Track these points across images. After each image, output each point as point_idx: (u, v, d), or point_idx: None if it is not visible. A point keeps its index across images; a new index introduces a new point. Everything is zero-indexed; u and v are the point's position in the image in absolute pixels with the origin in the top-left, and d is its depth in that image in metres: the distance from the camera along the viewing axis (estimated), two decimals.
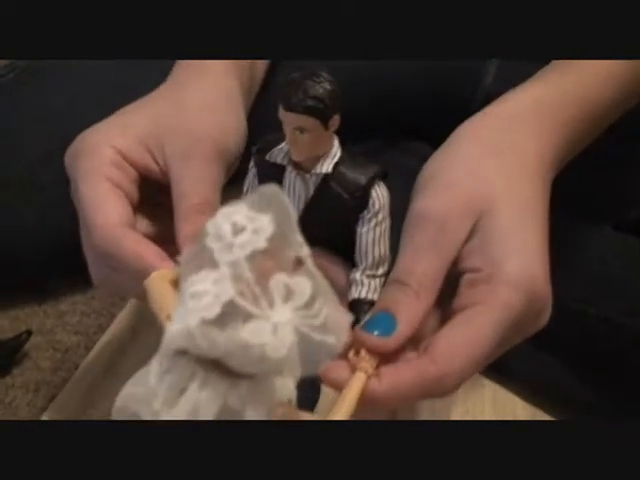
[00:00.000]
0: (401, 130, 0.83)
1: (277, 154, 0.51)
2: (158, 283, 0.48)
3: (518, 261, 0.49)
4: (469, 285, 0.49)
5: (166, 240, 0.53)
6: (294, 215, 0.41)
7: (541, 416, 0.69)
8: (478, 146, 0.54)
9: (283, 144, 0.50)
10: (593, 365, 0.68)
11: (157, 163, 0.56)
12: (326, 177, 0.50)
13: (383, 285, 0.52)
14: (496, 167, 0.53)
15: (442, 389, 0.47)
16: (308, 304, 0.39)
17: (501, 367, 0.64)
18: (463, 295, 0.49)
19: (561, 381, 0.69)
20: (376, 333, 0.48)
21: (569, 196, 0.66)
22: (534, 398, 0.70)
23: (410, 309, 0.49)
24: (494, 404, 0.70)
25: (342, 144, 0.51)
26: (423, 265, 0.49)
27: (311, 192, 0.51)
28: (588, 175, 0.70)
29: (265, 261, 0.40)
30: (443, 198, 0.51)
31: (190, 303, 0.38)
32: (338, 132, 0.50)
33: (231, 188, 0.57)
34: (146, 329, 0.72)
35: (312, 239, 0.42)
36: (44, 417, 0.65)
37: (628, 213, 0.73)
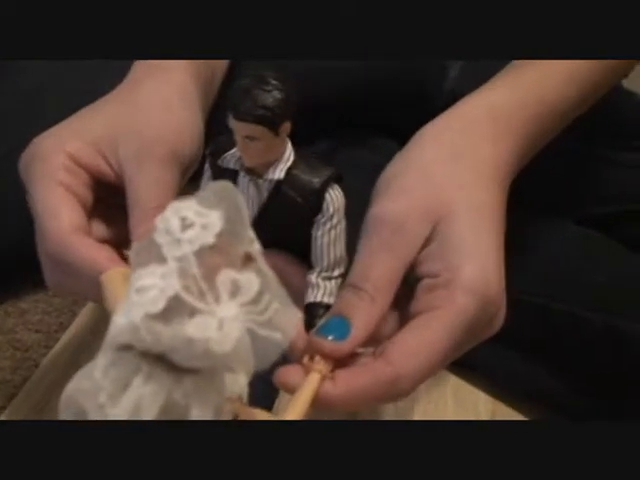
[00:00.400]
0: (369, 126, 0.83)
1: (229, 159, 0.50)
2: (112, 280, 0.49)
3: (474, 267, 0.49)
4: (427, 290, 0.49)
5: (123, 242, 0.53)
6: (246, 211, 0.41)
7: (503, 411, 0.69)
8: (436, 151, 0.54)
9: (235, 149, 0.50)
10: (558, 360, 0.68)
11: (111, 166, 0.55)
12: (279, 182, 0.50)
13: (340, 287, 0.51)
14: (453, 172, 0.53)
15: (397, 392, 0.47)
16: (255, 300, 0.39)
17: (465, 362, 0.63)
18: (420, 300, 0.49)
19: (526, 376, 0.70)
20: (330, 338, 0.48)
21: (530, 193, 0.68)
22: (499, 393, 0.70)
23: (365, 313, 0.49)
24: (456, 399, 0.70)
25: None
26: (378, 269, 0.50)
27: (264, 197, 0.51)
28: (548, 172, 0.72)
29: (213, 257, 0.40)
30: (401, 202, 0.51)
31: (135, 297, 0.38)
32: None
33: (192, 186, 0.57)
34: (107, 327, 0.71)
35: (267, 243, 0.42)
36: (3, 417, 0.65)
37: (590, 209, 0.73)
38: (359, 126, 0.82)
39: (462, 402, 0.70)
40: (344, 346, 0.47)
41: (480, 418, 0.69)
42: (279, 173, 0.49)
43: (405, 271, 0.50)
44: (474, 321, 0.48)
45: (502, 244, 0.52)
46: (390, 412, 0.67)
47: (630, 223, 0.72)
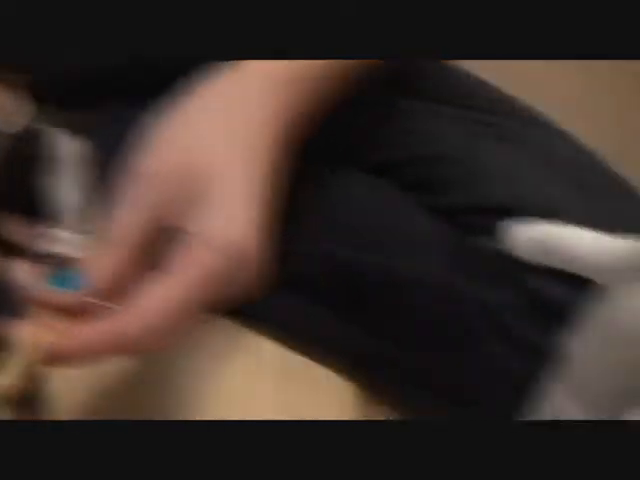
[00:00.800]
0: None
1: None
2: None
3: (222, 222, 0.49)
4: (180, 247, 0.50)
5: None
6: None
7: (296, 360, 0.70)
8: (206, 101, 0.54)
9: None
10: (352, 305, 0.69)
11: None
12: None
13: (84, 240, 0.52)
14: (219, 126, 0.53)
15: (140, 345, 0.48)
16: None
17: (258, 314, 0.69)
18: (169, 255, 0.50)
19: (323, 326, 0.70)
20: (64, 289, 0.48)
21: (323, 146, 0.70)
22: (292, 342, 0.71)
23: (101, 264, 0.49)
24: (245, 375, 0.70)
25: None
26: (121, 220, 0.50)
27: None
28: (331, 123, 0.70)
29: None
30: (158, 158, 0.51)
31: None
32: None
33: None
34: None
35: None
36: None
37: (377, 156, 0.73)
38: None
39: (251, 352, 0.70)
40: (74, 296, 0.48)
41: (270, 368, 0.69)
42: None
43: (153, 225, 0.51)
44: (223, 278, 0.49)
45: (266, 200, 0.52)
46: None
47: (409, 168, 0.72)
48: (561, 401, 0.47)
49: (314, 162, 0.70)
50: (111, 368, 0.62)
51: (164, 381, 0.64)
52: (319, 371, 0.70)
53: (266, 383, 0.68)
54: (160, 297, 0.48)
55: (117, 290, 0.50)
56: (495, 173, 0.68)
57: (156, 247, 0.51)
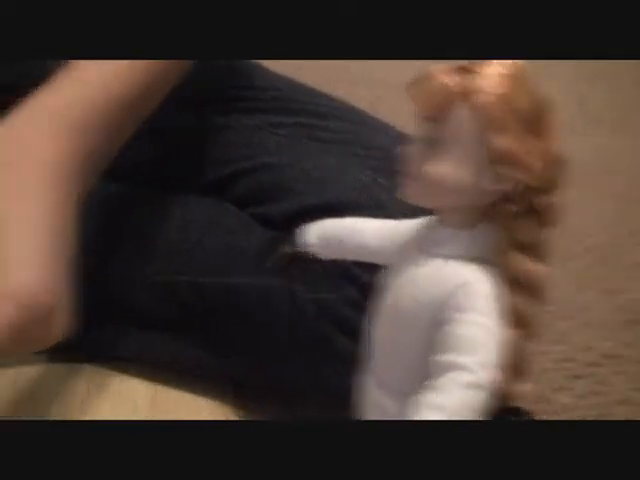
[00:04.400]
0: None
1: None
2: None
3: (18, 274, 0.49)
4: None
5: None
6: None
7: (166, 393, 0.70)
8: None
9: None
10: (192, 330, 0.69)
11: None
12: None
13: None
14: (3, 180, 0.52)
15: None
16: None
17: (118, 355, 0.70)
18: None
19: (178, 354, 0.71)
20: None
21: (145, 172, 0.73)
22: (156, 377, 0.72)
23: None
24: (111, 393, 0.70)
25: None
26: None
27: None
28: (159, 149, 0.74)
29: None
30: None
31: None
32: None
33: None
34: None
35: None
36: None
37: (205, 176, 0.75)
38: None
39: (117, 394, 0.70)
40: None
41: (138, 406, 0.69)
42: None
43: None
44: (18, 326, 0.48)
45: (59, 247, 0.51)
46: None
47: (238, 182, 0.73)
48: (372, 390, 0.47)
49: (151, 192, 0.73)
50: None
51: None
52: (190, 401, 0.70)
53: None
54: None
55: None
56: (318, 175, 0.69)
57: None
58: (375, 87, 1.35)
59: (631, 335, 0.87)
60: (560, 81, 1.52)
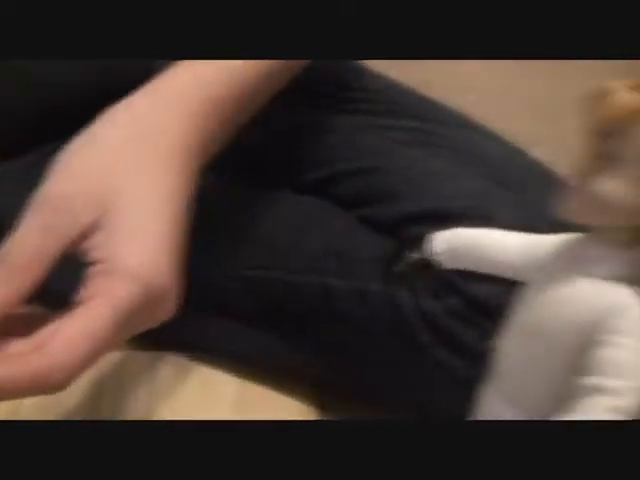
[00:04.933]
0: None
1: None
2: None
3: (137, 253, 0.48)
4: (92, 277, 0.48)
5: None
6: None
7: (251, 388, 0.70)
8: (120, 130, 0.52)
9: None
10: (287, 328, 0.69)
11: None
12: None
13: None
14: (131, 154, 0.51)
15: (51, 384, 0.46)
16: None
17: (203, 346, 0.70)
18: (86, 287, 0.48)
19: (262, 350, 0.70)
20: None
21: (243, 168, 0.72)
22: (243, 371, 0.71)
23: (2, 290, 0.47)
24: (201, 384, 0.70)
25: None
26: (24, 246, 0.48)
27: None
28: (258, 145, 0.73)
29: None
30: (68, 183, 0.50)
31: None
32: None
33: None
34: None
35: None
36: None
37: (304, 175, 0.73)
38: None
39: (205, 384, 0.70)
40: None
41: (226, 400, 0.69)
42: None
43: (58, 253, 0.48)
44: (137, 308, 0.48)
45: (179, 230, 0.51)
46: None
47: (341, 184, 0.72)
48: (495, 405, 0.46)
49: (248, 186, 0.72)
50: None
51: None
52: (275, 398, 0.70)
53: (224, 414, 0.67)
54: (83, 333, 0.46)
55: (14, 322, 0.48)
56: (430, 180, 0.68)
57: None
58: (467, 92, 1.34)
59: None
60: None
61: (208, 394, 0.68)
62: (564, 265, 0.43)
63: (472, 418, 0.48)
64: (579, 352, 0.41)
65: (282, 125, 0.74)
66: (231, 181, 0.73)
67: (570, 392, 0.40)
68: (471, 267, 0.49)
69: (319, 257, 0.68)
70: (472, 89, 1.33)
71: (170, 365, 0.70)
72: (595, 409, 0.39)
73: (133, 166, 0.51)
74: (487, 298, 0.61)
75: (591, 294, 0.41)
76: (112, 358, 0.69)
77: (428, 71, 1.36)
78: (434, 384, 0.65)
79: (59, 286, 0.49)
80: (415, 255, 0.50)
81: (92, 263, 0.49)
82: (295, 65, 0.64)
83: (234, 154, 0.71)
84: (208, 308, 0.70)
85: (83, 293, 0.48)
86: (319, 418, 0.68)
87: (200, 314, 0.70)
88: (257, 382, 0.70)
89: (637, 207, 0.40)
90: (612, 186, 0.39)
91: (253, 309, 0.69)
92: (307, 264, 0.68)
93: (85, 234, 0.49)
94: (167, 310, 0.51)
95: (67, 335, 0.46)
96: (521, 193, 0.67)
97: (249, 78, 0.58)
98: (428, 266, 0.50)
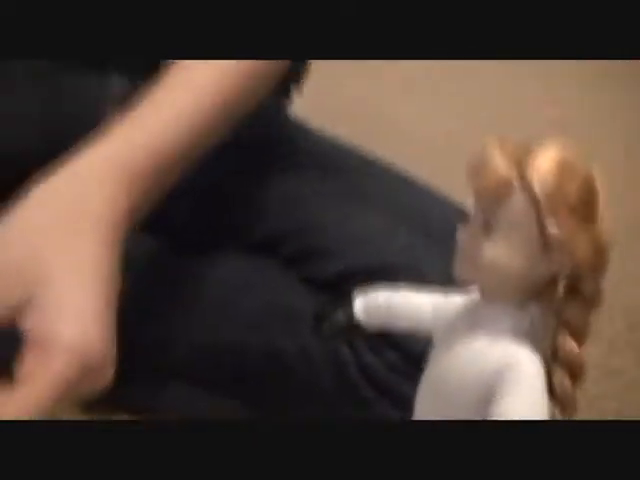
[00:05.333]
0: None
1: None
2: None
3: (70, 327, 0.51)
4: (28, 354, 0.51)
5: None
6: None
7: None
8: (40, 212, 0.55)
9: None
10: (235, 388, 0.71)
11: None
12: None
13: None
14: (54, 235, 0.54)
15: None
16: None
17: (157, 409, 0.71)
18: (23, 364, 0.51)
19: (215, 410, 0.72)
20: None
21: (184, 235, 0.75)
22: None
23: None
24: None
25: None
26: None
27: None
28: (199, 206, 0.76)
29: None
30: None
31: None
32: None
33: None
34: None
35: None
36: None
37: (249, 236, 0.76)
38: None
39: None
40: None
41: None
42: None
43: None
44: (75, 378, 0.50)
45: (109, 302, 0.53)
46: None
47: (281, 243, 0.74)
48: None
49: (189, 250, 0.75)
50: None
51: None
52: None
53: None
54: (14, 408, 0.49)
55: None
56: (364, 237, 0.71)
57: None
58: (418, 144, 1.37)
59: None
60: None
61: None
62: (465, 323, 0.46)
63: None
64: (479, 406, 0.43)
65: (220, 187, 0.76)
66: (173, 246, 0.76)
67: None
68: (388, 327, 0.51)
69: (262, 316, 0.70)
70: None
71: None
72: None
73: (59, 244, 0.53)
74: (423, 352, 0.63)
75: (486, 351, 0.44)
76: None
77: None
78: None
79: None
80: (339, 316, 0.53)
81: (27, 341, 0.51)
82: (231, 118, 0.65)
83: (174, 217, 0.74)
84: (160, 372, 0.72)
85: (21, 370, 0.50)
86: None
87: (153, 378, 0.72)
88: None
89: (518, 271, 0.42)
90: (494, 252, 0.42)
91: (202, 371, 0.71)
92: (250, 324, 0.70)
93: (19, 312, 0.51)
94: (104, 376, 0.53)
95: (9, 414, 0.48)
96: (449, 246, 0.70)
97: (175, 143, 0.60)
98: (353, 326, 0.52)
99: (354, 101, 1.59)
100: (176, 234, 0.77)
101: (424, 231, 0.70)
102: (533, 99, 1.74)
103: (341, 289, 0.66)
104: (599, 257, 0.43)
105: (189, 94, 0.61)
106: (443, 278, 0.49)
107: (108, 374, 0.54)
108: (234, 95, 0.63)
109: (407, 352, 0.65)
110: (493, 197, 0.42)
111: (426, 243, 0.69)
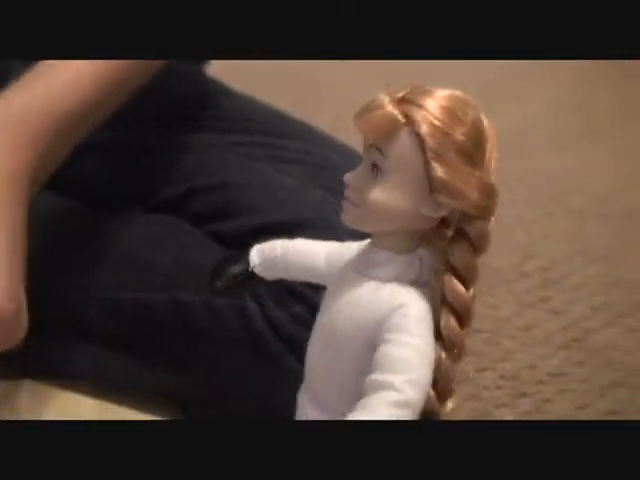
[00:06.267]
0: None
1: None
2: None
3: None
4: None
5: None
6: None
7: (113, 411, 0.70)
8: None
9: None
10: (141, 348, 0.70)
11: None
12: None
13: None
14: None
15: None
16: None
17: (66, 372, 0.71)
18: None
19: (121, 372, 0.71)
20: None
21: (94, 187, 0.75)
22: (106, 395, 0.72)
23: None
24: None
25: None
26: None
27: None
28: (108, 164, 0.76)
29: None
30: None
31: None
32: None
33: None
34: None
35: None
36: None
37: (159, 193, 0.75)
38: None
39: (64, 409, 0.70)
40: None
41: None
42: None
43: None
44: None
45: (15, 251, 0.54)
46: None
47: (192, 201, 0.74)
48: (304, 405, 0.48)
49: (99, 207, 0.74)
50: None
51: None
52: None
53: None
54: None
55: None
56: (274, 194, 0.71)
57: None
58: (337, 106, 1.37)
59: (576, 354, 0.89)
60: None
61: (68, 418, 0.69)
62: (354, 269, 0.46)
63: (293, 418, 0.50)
64: (366, 351, 0.43)
65: (132, 145, 0.76)
66: (82, 203, 0.75)
67: (361, 389, 0.43)
68: (285, 276, 0.51)
69: (169, 274, 0.69)
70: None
71: (28, 392, 0.70)
72: (380, 404, 0.42)
73: None
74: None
75: (374, 296, 0.44)
76: None
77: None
78: (285, 389, 0.66)
79: None
80: (236, 268, 0.52)
81: None
82: (137, 76, 0.65)
83: (84, 175, 0.73)
84: (69, 334, 0.71)
85: None
86: None
87: (62, 340, 0.71)
88: (119, 404, 0.71)
89: (405, 214, 0.42)
90: (381, 194, 0.42)
91: (112, 331, 0.70)
92: (158, 281, 0.69)
93: None
94: (14, 334, 0.53)
95: None
96: None
97: (86, 95, 0.60)
98: (250, 278, 0.52)
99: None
100: (82, 191, 0.75)
101: (337, 187, 0.69)
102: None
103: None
104: (486, 201, 0.43)
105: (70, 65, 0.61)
106: (353, 233, 0.48)
107: (18, 331, 0.53)
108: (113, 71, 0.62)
109: (313, 304, 0.64)
110: (379, 135, 0.41)
111: (338, 199, 0.69)
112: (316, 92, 1.41)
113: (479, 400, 0.80)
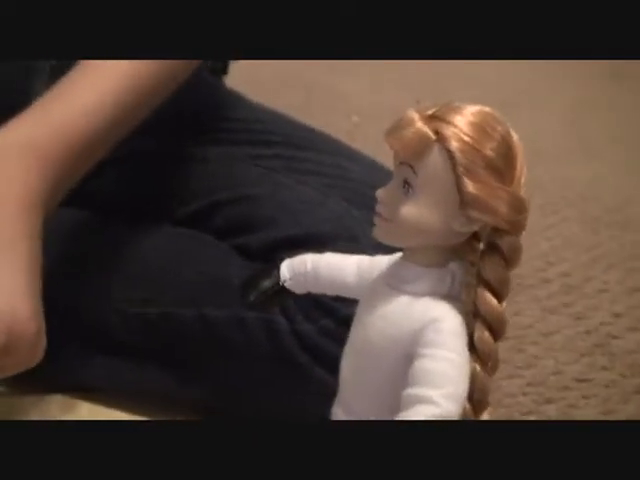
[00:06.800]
0: None
1: None
2: None
3: (2, 301, 0.52)
4: None
5: None
6: None
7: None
8: None
9: None
10: (166, 360, 0.71)
11: None
12: None
13: None
14: None
15: None
16: None
17: (91, 385, 0.72)
18: None
19: (148, 383, 0.72)
20: None
21: (121, 204, 0.75)
22: (134, 407, 0.72)
23: None
24: None
25: None
26: None
27: None
28: (135, 181, 0.76)
29: None
30: None
31: None
32: None
33: None
34: None
35: None
36: None
37: (182, 207, 0.76)
38: None
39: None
40: None
41: None
42: None
43: None
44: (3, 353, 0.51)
45: (33, 276, 0.54)
46: None
47: (215, 214, 0.74)
48: (338, 417, 0.49)
49: (124, 222, 0.74)
50: None
51: None
52: None
53: None
54: None
55: None
56: (296, 206, 0.71)
57: None
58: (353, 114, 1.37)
59: (599, 359, 0.89)
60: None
61: None
62: (386, 283, 0.46)
63: None
64: (400, 363, 0.44)
65: (152, 158, 0.76)
66: (106, 217, 0.75)
67: (395, 403, 0.44)
68: (315, 290, 0.52)
69: (195, 288, 0.70)
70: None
71: (55, 404, 0.71)
72: (420, 418, 0.42)
73: None
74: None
75: (408, 310, 0.44)
76: None
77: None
78: (314, 401, 0.66)
79: None
80: (266, 282, 0.53)
81: None
82: (160, 92, 0.66)
83: (108, 189, 0.73)
84: (94, 347, 0.72)
85: None
86: None
87: (87, 354, 0.72)
88: (144, 416, 0.71)
89: (436, 230, 0.43)
90: (412, 211, 0.43)
91: (137, 345, 0.71)
92: (184, 296, 0.70)
93: None
94: (35, 352, 0.53)
95: None
96: None
97: (91, 129, 0.60)
98: (280, 293, 0.52)
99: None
100: (106, 205, 0.76)
101: (358, 199, 0.71)
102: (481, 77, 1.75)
103: (276, 259, 0.66)
104: (516, 216, 0.44)
105: (93, 86, 0.62)
106: (377, 245, 0.48)
107: (39, 350, 0.54)
108: (135, 93, 0.63)
109: (340, 317, 0.65)
110: (410, 152, 0.42)
111: (360, 211, 0.70)
112: (331, 100, 1.42)
113: (504, 407, 0.80)
